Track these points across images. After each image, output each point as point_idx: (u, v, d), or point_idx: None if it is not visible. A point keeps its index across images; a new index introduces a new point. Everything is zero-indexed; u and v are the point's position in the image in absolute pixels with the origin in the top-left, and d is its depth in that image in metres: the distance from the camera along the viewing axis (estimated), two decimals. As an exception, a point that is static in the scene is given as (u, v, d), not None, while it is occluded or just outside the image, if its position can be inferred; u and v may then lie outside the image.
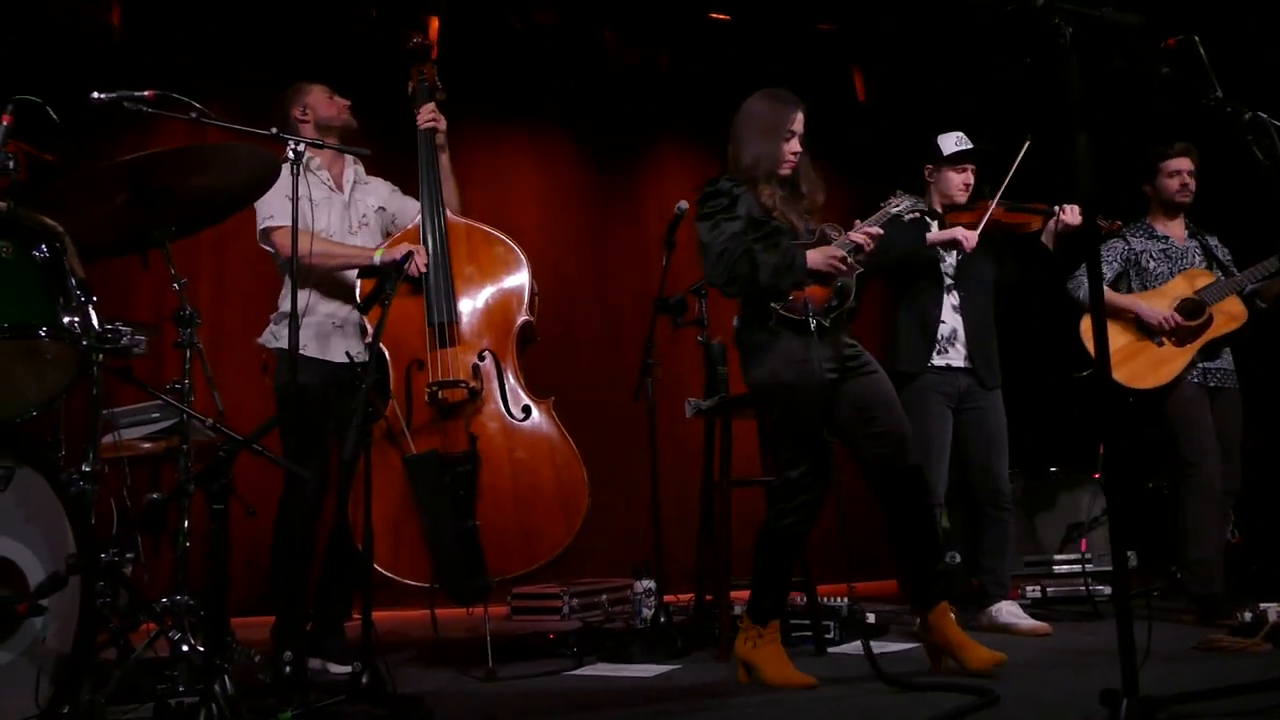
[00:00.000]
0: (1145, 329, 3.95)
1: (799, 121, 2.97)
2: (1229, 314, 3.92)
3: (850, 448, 2.95)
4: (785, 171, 2.99)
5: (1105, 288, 3.91)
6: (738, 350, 3.01)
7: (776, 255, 2.84)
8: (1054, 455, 4.91)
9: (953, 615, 2.89)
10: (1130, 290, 4.08)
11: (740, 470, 3.52)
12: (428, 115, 3.56)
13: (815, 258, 2.86)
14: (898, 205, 3.10)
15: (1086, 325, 4.00)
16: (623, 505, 5.28)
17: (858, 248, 2.90)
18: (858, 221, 2.98)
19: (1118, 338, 3.91)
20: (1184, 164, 4.07)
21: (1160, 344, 3.92)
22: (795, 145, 2.97)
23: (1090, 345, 3.98)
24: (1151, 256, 4.07)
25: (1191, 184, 4.07)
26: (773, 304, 2.87)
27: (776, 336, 2.88)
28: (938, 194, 3.97)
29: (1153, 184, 4.13)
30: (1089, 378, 3.97)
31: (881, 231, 2.97)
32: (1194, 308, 3.93)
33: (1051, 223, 3.74)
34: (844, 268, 2.87)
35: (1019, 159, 3.62)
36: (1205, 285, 3.95)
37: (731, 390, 3.55)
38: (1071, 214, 3.69)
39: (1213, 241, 4.12)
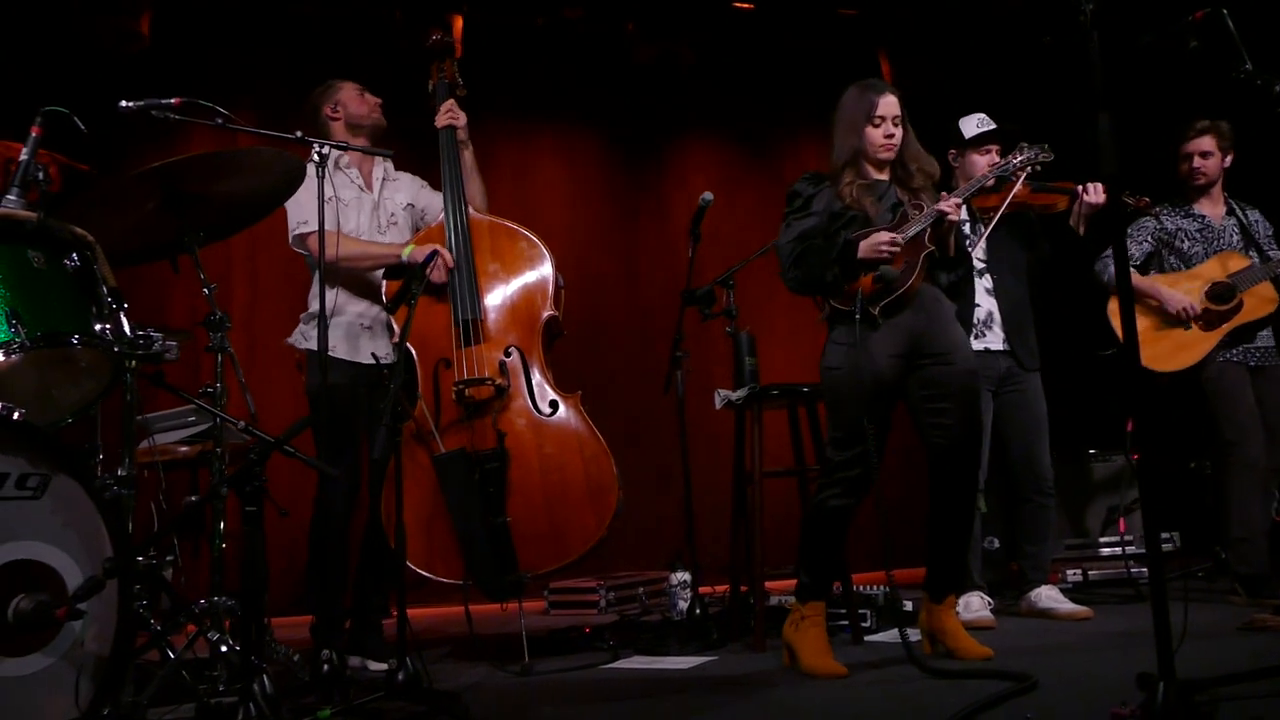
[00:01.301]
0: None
1: (885, 105, 2.97)
2: (1261, 299, 3.83)
3: (917, 430, 2.98)
4: (885, 156, 3.00)
5: (1131, 270, 3.83)
6: None
7: (826, 249, 2.87)
8: (1092, 438, 4.85)
9: (957, 610, 3.09)
10: (1165, 270, 4.00)
11: (772, 461, 3.50)
12: (446, 112, 3.57)
13: (863, 247, 2.87)
14: (1019, 158, 3.09)
15: (1114, 306, 3.94)
16: (656, 498, 5.28)
17: (940, 218, 2.89)
18: (944, 195, 2.97)
19: (1143, 320, 3.83)
20: (1195, 146, 3.96)
21: (1188, 328, 3.85)
22: (889, 129, 2.97)
23: (1118, 326, 3.92)
24: (1186, 236, 3.98)
25: (1204, 165, 3.95)
26: (827, 297, 2.92)
27: (835, 326, 2.95)
28: (963, 178, 3.91)
29: (1178, 168, 4.04)
30: (1113, 357, 3.93)
31: (961, 200, 2.96)
32: (1224, 292, 3.84)
33: (1076, 204, 3.68)
34: (894, 249, 2.85)
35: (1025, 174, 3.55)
36: (1239, 270, 3.86)
37: (761, 381, 3.53)
38: (1095, 193, 3.62)
39: (1253, 217, 4.02)
